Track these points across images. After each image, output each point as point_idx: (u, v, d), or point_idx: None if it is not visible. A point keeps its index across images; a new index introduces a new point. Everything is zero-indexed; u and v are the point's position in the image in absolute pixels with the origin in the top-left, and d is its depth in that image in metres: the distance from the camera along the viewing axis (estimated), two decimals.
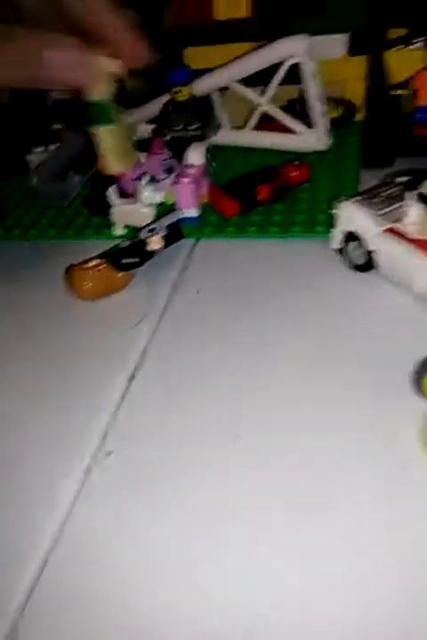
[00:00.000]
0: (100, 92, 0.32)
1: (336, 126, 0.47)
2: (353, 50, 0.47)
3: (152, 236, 0.36)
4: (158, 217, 0.39)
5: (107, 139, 0.34)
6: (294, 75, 0.43)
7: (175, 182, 0.40)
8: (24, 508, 0.26)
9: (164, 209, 0.41)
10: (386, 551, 0.22)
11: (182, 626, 0.21)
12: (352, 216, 0.34)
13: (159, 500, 0.25)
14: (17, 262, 0.43)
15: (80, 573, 0.23)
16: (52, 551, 0.24)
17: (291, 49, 0.41)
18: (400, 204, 0.33)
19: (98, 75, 0.31)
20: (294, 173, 0.41)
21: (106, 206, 0.41)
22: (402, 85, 0.45)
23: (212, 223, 0.41)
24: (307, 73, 0.41)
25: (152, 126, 0.48)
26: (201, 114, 0.46)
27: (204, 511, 0.25)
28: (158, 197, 0.38)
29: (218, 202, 0.41)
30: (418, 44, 0.44)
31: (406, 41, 0.45)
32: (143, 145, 0.44)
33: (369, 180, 0.42)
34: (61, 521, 0.25)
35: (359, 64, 0.46)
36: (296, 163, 0.42)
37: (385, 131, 0.44)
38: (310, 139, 0.45)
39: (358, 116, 0.49)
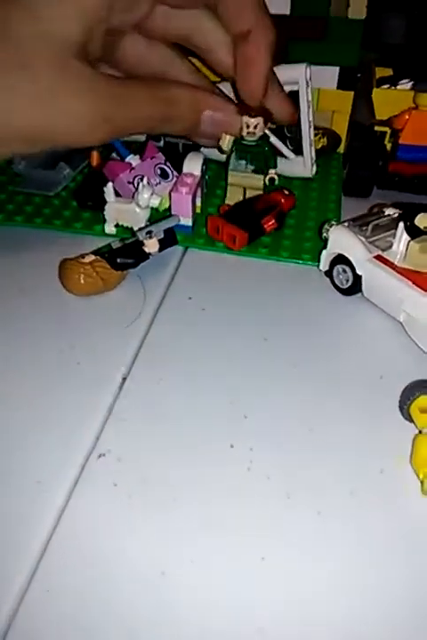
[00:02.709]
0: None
1: (320, 155, 0.49)
2: (342, 84, 0.50)
3: (149, 238, 0.37)
4: (154, 220, 0.39)
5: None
6: None
7: (173, 190, 0.40)
8: (13, 510, 0.25)
9: (155, 213, 0.42)
10: (377, 574, 0.23)
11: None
12: (343, 240, 0.36)
13: (152, 502, 0.26)
14: (2, 247, 0.41)
15: (71, 582, 0.23)
16: (41, 558, 0.24)
17: (292, 75, 0.42)
18: (389, 233, 0.36)
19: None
20: (283, 200, 0.43)
21: (97, 202, 0.41)
22: (385, 123, 0.47)
23: (203, 235, 0.42)
24: (304, 101, 0.43)
25: None
26: None
27: (196, 515, 0.25)
28: (156, 201, 0.39)
29: (225, 232, 0.40)
30: (405, 85, 0.47)
31: (393, 81, 0.48)
32: (137, 149, 0.44)
33: (351, 208, 0.44)
34: (53, 523, 0.25)
35: (348, 98, 0.49)
36: (285, 191, 0.44)
37: (366, 164, 0.46)
38: (298, 165, 0.47)
39: (341, 148, 0.52)
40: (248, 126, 0.39)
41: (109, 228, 0.42)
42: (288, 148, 0.48)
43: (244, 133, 0.40)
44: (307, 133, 0.45)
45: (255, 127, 0.39)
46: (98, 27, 0.30)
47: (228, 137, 0.40)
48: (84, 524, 0.25)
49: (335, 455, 0.28)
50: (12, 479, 0.27)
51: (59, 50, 0.29)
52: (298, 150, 0.47)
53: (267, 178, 0.43)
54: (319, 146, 0.50)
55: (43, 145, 0.31)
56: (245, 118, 0.39)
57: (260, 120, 0.39)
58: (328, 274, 0.38)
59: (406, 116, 0.43)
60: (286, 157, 0.48)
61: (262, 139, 0.41)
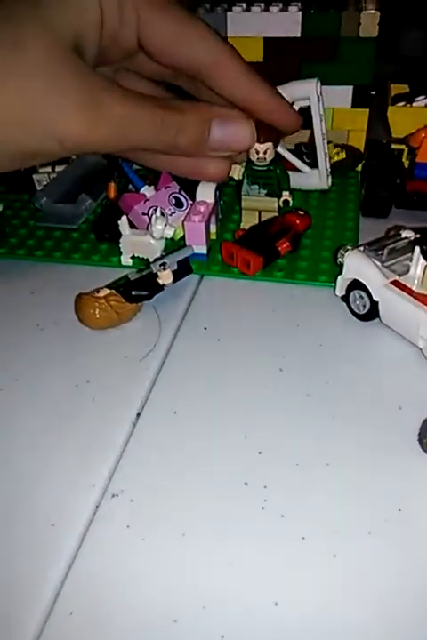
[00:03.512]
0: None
1: (339, 170, 0.49)
2: (356, 102, 0.49)
3: (163, 270, 0.37)
4: (169, 251, 0.39)
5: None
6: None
7: (186, 219, 0.40)
8: (27, 552, 0.26)
9: (171, 243, 0.42)
10: (399, 621, 0.23)
11: None
12: (358, 265, 0.36)
13: (164, 545, 0.25)
14: (22, 282, 0.42)
15: (83, 628, 0.23)
16: (55, 603, 0.24)
17: (303, 91, 0.42)
18: (406, 257, 0.35)
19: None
20: (298, 221, 0.43)
21: (114, 234, 0.42)
22: (402, 141, 0.46)
23: (218, 262, 0.42)
24: (316, 115, 0.43)
25: None
26: None
27: (208, 558, 0.25)
28: (170, 232, 0.39)
29: (240, 258, 0.40)
30: (421, 102, 0.46)
31: (409, 98, 0.47)
32: (152, 180, 0.45)
33: (369, 228, 0.43)
34: (66, 566, 0.25)
35: (363, 116, 0.49)
36: (300, 212, 0.43)
37: (384, 183, 0.46)
38: (314, 178, 0.47)
39: (358, 166, 0.52)
40: (258, 152, 0.39)
41: (126, 260, 0.42)
42: (304, 161, 0.48)
43: (254, 159, 0.40)
44: (321, 146, 0.45)
45: (265, 152, 0.39)
46: (94, 31, 0.31)
47: (238, 167, 0.40)
48: (97, 570, 0.25)
49: (352, 492, 0.27)
50: (27, 520, 0.27)
51: (57, 36, 0.29)
52: (314, 164, 0.47)
53: (281, 200, 0.42)
54: (338, 159, 0.50)
55: (26, 137, 0.30)
56: (255, 145, 0.39)
57: (269, 145, 0.39)
58: (345, 299, 0.37)
59: (423, 134, 0.43)
60: (301, 172, 0.48)
61: (273, 163, 0.41)
